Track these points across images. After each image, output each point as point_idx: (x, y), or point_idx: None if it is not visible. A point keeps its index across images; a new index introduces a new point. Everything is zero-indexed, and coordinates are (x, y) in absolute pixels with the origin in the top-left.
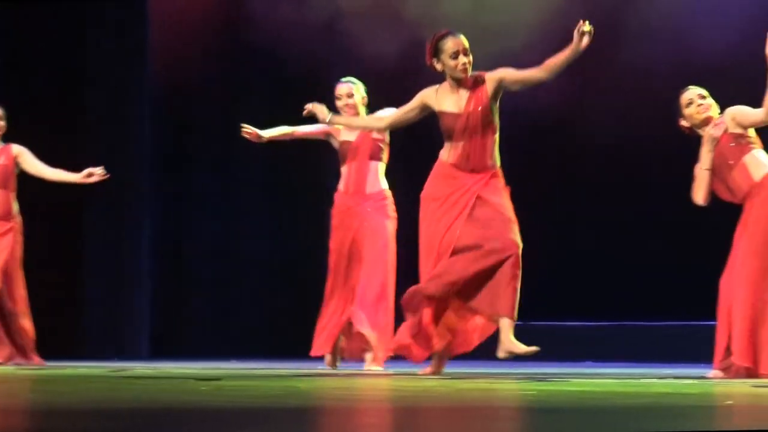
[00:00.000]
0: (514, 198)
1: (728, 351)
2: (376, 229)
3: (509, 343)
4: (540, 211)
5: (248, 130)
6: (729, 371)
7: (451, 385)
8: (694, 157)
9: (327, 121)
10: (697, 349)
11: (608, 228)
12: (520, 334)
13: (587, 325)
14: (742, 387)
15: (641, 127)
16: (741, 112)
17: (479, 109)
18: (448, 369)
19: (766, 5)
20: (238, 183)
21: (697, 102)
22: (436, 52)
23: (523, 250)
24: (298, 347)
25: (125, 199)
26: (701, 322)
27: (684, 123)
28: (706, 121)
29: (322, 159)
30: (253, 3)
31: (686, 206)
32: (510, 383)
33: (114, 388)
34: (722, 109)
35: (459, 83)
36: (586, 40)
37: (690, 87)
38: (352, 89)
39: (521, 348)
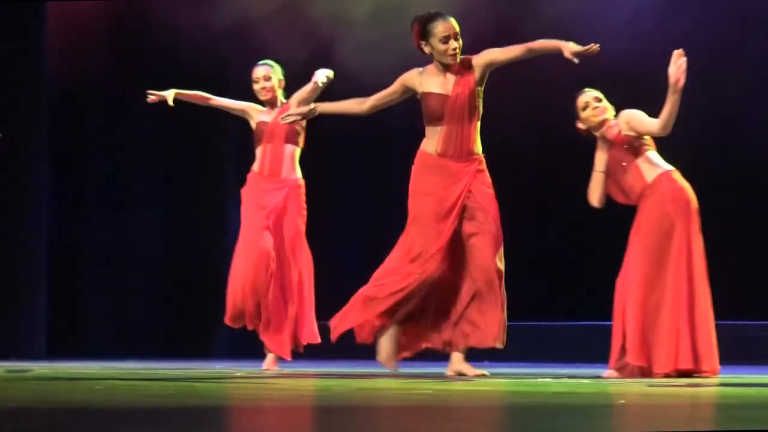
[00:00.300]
0: None
1: (623, 351)
2: (296, 233)
3: (461, 365)
4: None
5: (153, 95)
6: (624, 371)
7: (348, 385)
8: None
9: (312, 108)
10: (593, 349)
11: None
12: None
13: None
14: (635, 386)
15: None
16: (636, 117)
17: (467, 92)
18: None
19: (658, 9)
20: (133, 185)
21: (593, 105)
22: (425, 35)
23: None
24: (192, 347)
25: (21, 200)
26: (598, 322)
27: (580, 125)
28: (602, 124)
29: (217, 163)
30: (152, 5)
31: (583, 207)
32: (393, 382)
33: (8, 388)
34: (618, 110)
35: (446, 67)
36: (576, 60)
37: (586, 90)
38: (269, 72)
39: (472, 370)
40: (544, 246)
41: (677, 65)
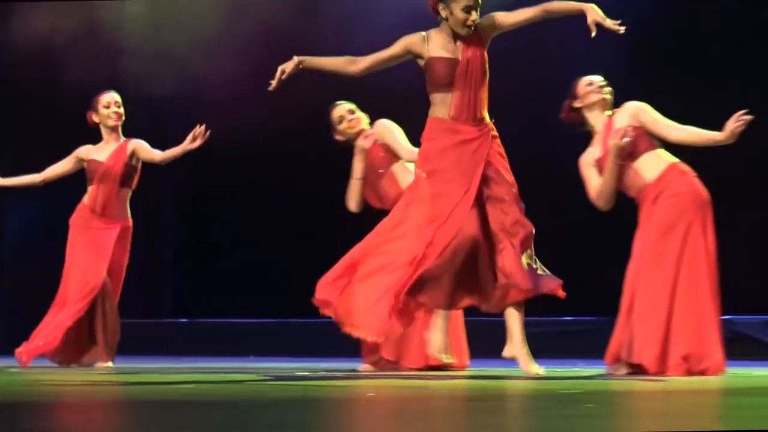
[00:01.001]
0: None
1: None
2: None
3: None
4: None
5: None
6: (377, 364)
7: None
8: None
9: (298, 62)
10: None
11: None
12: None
13: (251, 322)
14: (388, 380)
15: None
16: (387, 128)
17: (477, 56)
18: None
19: None
20: None
21: (347, 118)
22: None
23: None
24: None
25: None
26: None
27: (339, 137)
28: (359, 134)
29: None
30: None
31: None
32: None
33: None
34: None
35: (456, 34)
36: (594, 31)
37: (338, 103)
38: (119, 99)
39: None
40: (299, 247)
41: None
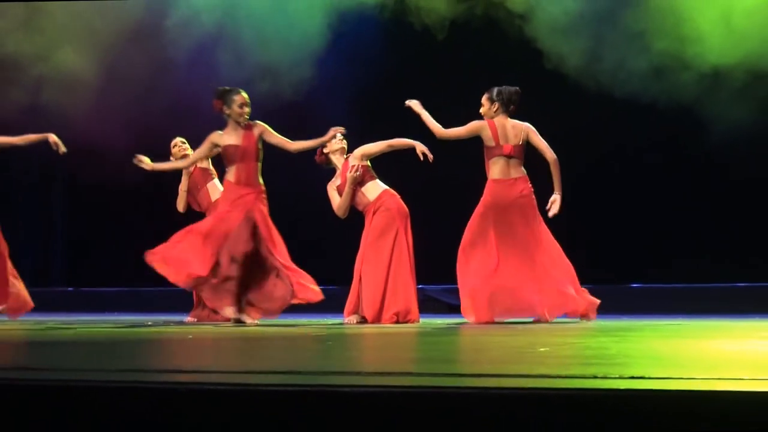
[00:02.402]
0: None
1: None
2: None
3: None
4: None
5: None
6: (200, 316)
7: None
8: None
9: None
10: None
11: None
12: None
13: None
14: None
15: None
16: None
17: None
18: None
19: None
20: None
21: (179, 145)
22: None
23: None
24: None
25: None
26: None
27: (172, 158)
28: (184, 156)
29: None
30: None
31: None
32: None
33: None
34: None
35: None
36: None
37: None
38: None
39: None
40: None
41: None
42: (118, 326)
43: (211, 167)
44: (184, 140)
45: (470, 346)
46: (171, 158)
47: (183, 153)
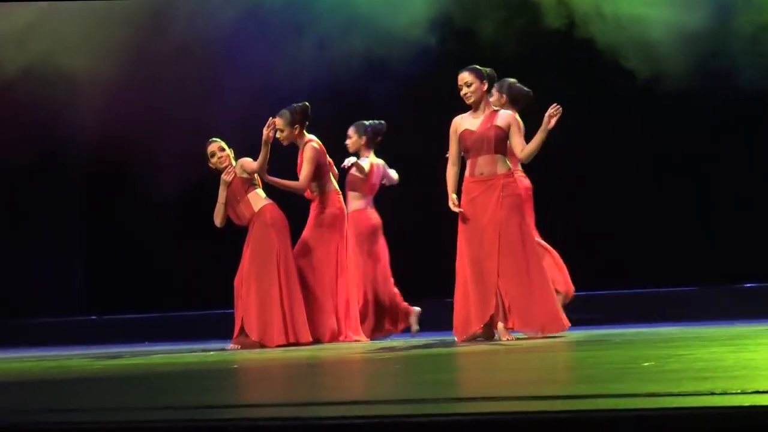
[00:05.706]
0: None
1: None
2: None
3: None
4: None
5: None
6: (244, 344)
7: None
8: None
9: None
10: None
11: None
12: None
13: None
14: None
15: None
16: (246, 162)
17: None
18: None
19: None
20: None
21: (218, 154)
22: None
23: None
24: None
25: None
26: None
27: (211, 167)
28: (225, 168)
29: None
30: None
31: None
32: None
33: None
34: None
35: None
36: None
37: (213, 140)
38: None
39: None
40: None
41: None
42: (171, 359)
43: (256, 176)
44: (223, 145)
45: (562, 365)
46: (210, 165)
47: (225, 164)
